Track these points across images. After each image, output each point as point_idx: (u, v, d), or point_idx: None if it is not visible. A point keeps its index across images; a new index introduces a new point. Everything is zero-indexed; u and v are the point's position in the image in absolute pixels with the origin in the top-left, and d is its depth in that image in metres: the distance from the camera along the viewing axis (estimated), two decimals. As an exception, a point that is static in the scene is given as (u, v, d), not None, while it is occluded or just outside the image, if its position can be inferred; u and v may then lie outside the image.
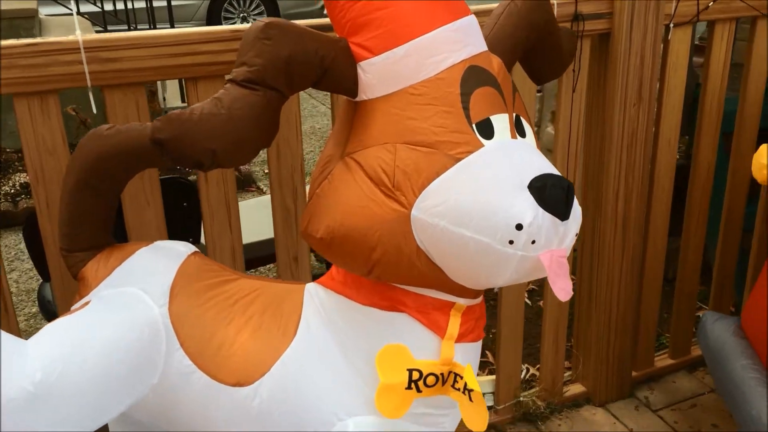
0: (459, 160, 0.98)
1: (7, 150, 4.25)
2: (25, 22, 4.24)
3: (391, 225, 0.99)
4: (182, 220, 1.65)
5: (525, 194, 0.95)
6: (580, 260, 2.10)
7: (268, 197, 1.72)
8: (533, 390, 2.16)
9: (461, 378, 1.07)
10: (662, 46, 1.88)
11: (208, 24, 7.06)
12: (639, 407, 2.16)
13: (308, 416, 1.10)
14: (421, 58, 1.00)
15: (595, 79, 1.89)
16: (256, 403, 1.12)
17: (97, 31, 4.80)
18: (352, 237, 1.01)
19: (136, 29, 4.93)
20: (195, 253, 1.28)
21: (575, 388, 2.20)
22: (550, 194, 0.95)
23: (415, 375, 1.06)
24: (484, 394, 2.05)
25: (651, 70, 1.85)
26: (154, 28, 4.88)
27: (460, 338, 1.09)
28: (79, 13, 4.60)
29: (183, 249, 1.27)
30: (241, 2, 7.63)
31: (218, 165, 0.95)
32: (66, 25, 4.79)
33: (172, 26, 4.89)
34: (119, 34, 1.37)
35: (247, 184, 4.02)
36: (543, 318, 2.10)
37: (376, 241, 1.00)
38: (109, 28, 4.85)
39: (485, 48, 1.08)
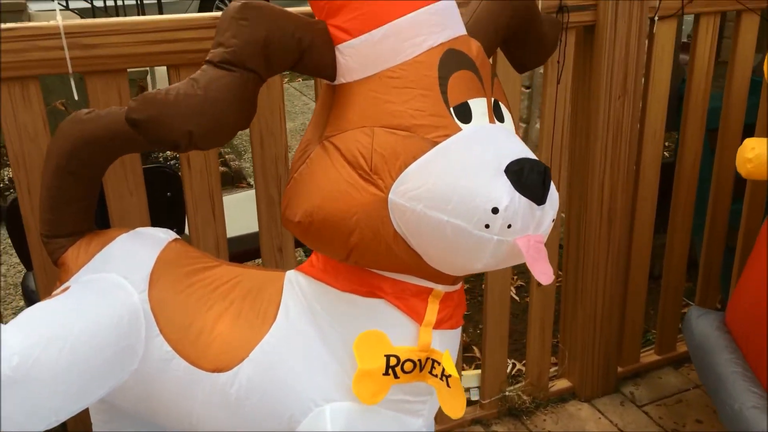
0: (437, 143, 0.98)
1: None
2: (13, 16, 4.23)
3: (369, 209, 0.99)
4: (166, 210, 1.64)
5: (502, 178, 0.95)
6: (566, 255, 2.10)
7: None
8: (519, 385, 2.16)
9: (438, 364, 1.07)
10: (647, 39, 1.88)
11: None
12: (624, 402, 2.16)
13: (286, 402, 1.09)
14: (399, 41, 1.00)
15: (580, 71, 1.89)
16: (234, 390, 1.11)
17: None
18: (329, 221, 1.00)
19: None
20: (176, 239, 1.27)
21: (561, 383, 2.20)
22: (527, 178, 0.95)
23: (393, 361, 1.06)
24: (470, 388, 2.04)
25: (636, 63, 1.86)
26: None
27: (438, 325, 1.09)
28: (68, 8, 4.58)
29: (163, 236, 1.26)
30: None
31: (195, 146, 0.94)
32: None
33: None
34: (101, 20, 1.36)
35: (237, 180, 4.01)
36: (528, 313, 2.10)
37: (353, 225, 1.00)
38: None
39: (464, 31, 1.08)
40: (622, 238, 2.04)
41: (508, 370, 2.21)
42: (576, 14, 1.77)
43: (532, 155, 1.01)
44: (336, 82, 1.05)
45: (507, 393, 2.11)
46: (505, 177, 0.95)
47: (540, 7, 1.70)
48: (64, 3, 4.60)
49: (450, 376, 1.05)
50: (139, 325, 1.14)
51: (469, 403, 2.10)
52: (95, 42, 1.34)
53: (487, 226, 0.95)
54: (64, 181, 1.20)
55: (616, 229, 2.02)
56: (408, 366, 1.06)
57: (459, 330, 1.17)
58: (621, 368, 2.23)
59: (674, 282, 2.25)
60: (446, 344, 1.11)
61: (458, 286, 1.14)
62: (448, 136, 0.99)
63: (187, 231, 1.60)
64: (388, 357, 1.05)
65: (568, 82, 1.87)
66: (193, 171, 1.54)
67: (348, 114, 1.02)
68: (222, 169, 3.90)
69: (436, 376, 1.08)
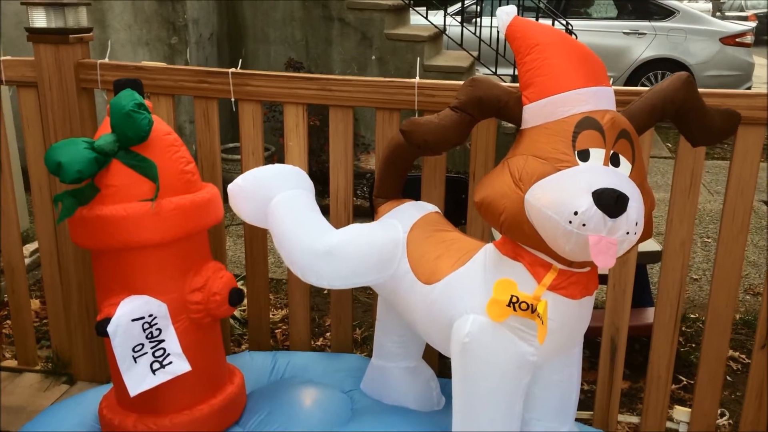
0: (559, 170, 1.61)
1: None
2: (457, 76, 5.61)
3: (513, 201, 1.66)
4: (461, 206, 2.49)
5: (587, 196, 1.53)
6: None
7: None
8: (724, 434, 2.38)
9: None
10: None
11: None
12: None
13: (452, 308, 1.82)
14: (554, 108, 1.66)
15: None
16: (430, 298, 1.89)
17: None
18: (492, 205, 1.71)
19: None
20: (436, 211, 2.11)
21: (773, 451, 2.33)
22: (603, 198, 1.51)
23: (514, 299, 1.70)
24: (680, 422, 2.39)
25: None
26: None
27: (552, 288, 1.69)
28: (495, 74, 5.82)
29: (429, 207, 2.12)
30: (659, 77, 8.14)
31: (429, 149, 1.77)
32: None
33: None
34: (436, 81, 2.28)
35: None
36: (750, 372, 2.32)
37: (503, 209, 1.68)
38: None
39: (607, 107, 1.67)
40: None
41: (719, 421, 2.43)
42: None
43: (621, 188, 1.54)
44: (521, 128, 1.75)
45: (708, 435, 2.36)
46: (590, 195, 1.53)
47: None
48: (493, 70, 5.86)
49: (540, 314, 1.65)
50: (398, 248, 2.01)
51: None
52: (432, 93, 2.27)
53: (570, 222, 1.54)
54: (387, 166, 2.14)
55: None
56: (523, 306, 1.69)
57: (577, 302, 1.72)
58: None
59: None
60: (557, 304, 1.70)
61: (577, 270, 1.70)
62: (568, 167, 1.61)
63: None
64: (512, 296, 1.70)
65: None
66: (475, 181, 2.35)
67: (519, 146, 1.72)
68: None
69: (539, 317, 1.68)
